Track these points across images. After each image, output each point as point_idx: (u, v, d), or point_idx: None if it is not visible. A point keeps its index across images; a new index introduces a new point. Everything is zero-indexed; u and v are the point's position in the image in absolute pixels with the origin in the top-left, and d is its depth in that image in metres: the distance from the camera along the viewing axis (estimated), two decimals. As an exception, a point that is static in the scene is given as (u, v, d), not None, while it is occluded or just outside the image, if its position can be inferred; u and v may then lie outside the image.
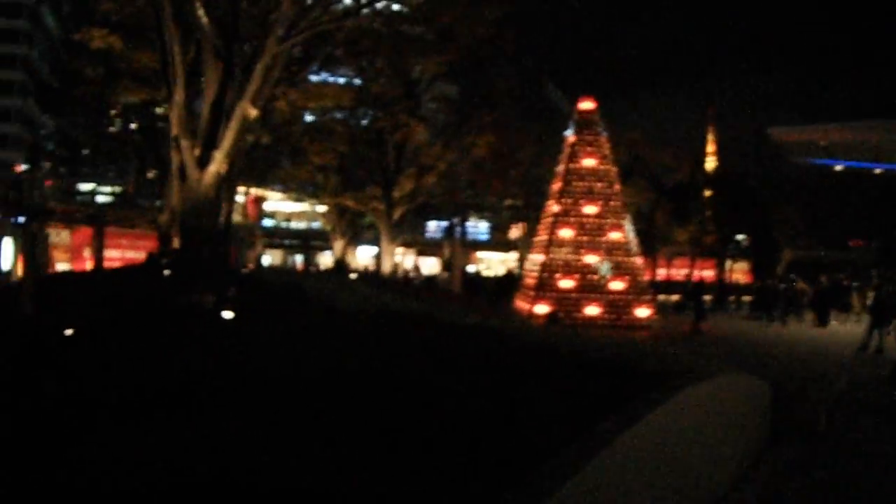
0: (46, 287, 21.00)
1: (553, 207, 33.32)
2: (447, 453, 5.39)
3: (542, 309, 31.76)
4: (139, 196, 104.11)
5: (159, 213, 47.09)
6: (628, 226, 33.22)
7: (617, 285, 32.17)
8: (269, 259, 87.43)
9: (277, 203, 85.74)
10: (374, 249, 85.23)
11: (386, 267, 38.85)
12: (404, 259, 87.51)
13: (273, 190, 55.12)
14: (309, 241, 78.44)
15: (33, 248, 23.63)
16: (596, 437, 5.38)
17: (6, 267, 38.50)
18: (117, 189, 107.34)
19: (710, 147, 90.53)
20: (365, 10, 20.34)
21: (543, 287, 32.20)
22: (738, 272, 70.16)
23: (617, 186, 33.47)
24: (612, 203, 33.09)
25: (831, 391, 15.56)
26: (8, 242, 40.03)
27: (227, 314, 10.73)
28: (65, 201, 71.93)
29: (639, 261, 33.22)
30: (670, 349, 22.23)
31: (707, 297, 47.35)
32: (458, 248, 44.71)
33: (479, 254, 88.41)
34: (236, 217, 79.54)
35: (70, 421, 5.93)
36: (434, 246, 79.41)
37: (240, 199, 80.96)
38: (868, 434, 12.54)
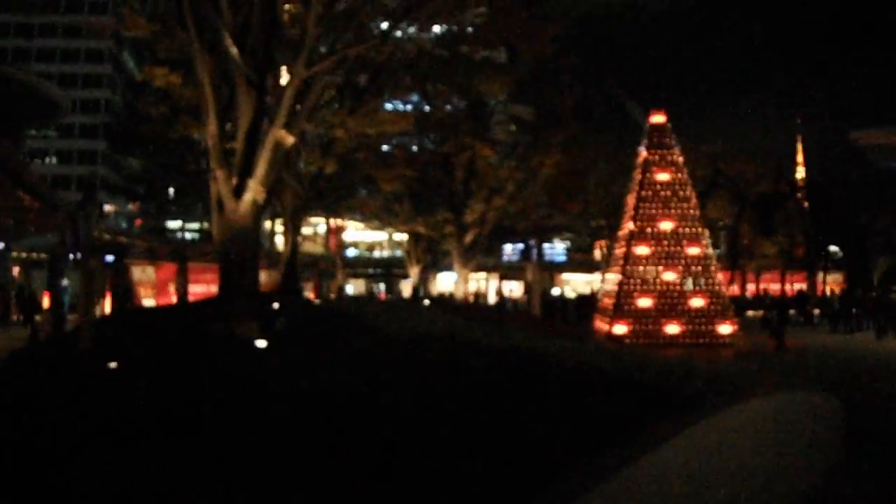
0: (117, 322, 21.29)
1: (628, 224, 32.60)
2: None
3: (620, 329, 31.00)
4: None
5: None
6: (707, 240, 32.24)
7: (697, 302, 31.19)
8: (352, 288, 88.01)
9: (359, 233, 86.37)
10: (454, 276, 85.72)
11: (459, 292, 38.42)
12: (487, 283, 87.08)
13: (353, 220, 55.18)
14: (391, 270, 78.60)
15: (92, 284, 23.86)
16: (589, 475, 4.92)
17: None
18: (205, 225, 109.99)
19: (799, 156, 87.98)
20: (410, 33, 20.14)
21: (621, 306, 31.43)
22: (832, 284, 67.70)
23: (693, 200, 32.58)
24: (688, 217, 32.18)
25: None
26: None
27: (261, 343, 10.53)
28: (152, 240, 73.80)
29: (719, 276, 32.16)
30: (737, 367, 21.48)
31: (792, 311, 45.84)
32: (535, 270, 44.10)
33: (565, 275, 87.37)
34: (317, 248, 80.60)
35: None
36: (517, 269, 78.65)
37: (321, 230, 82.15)
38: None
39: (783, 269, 59.78)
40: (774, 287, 62.18)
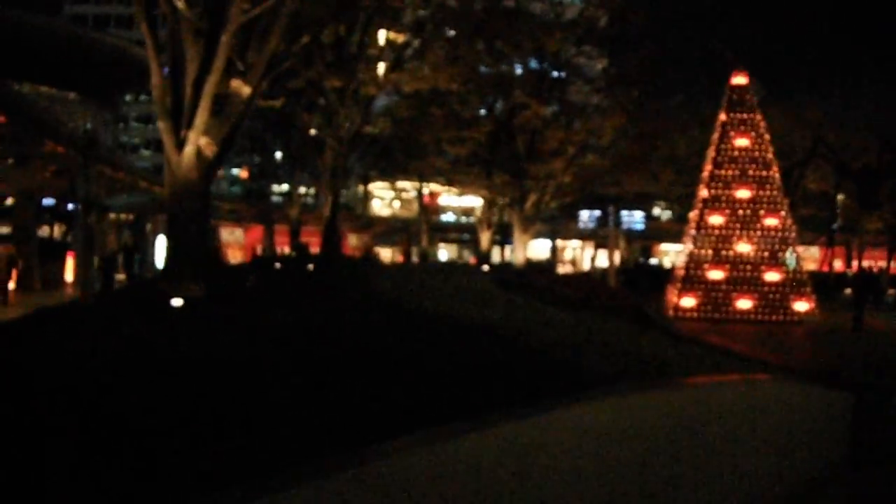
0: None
1: (702, 192, 30.78)
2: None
3: (687, 302, 29.42)
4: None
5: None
6: (786, 210, 30.20)
7: (772, 276, 29.30)
8: (445, 254, 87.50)
9: (454, 198, 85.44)
10: (548, 243, 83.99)
11: (519, 258, 37.03)
12: (583, 251, 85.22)
13: (424, 182, 54.07)
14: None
15: (89, 238, 23.64)
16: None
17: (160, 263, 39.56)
18: (312, 190, 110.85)
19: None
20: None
21: (690, 279, 29.80)
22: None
23: (774, 167, 30.49)
24: (767, 186, 30.18)
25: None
26: (163, 240, 41.34)
27: (177, 301, 9.81)
28: (256, 204, 74.73)
29: (798, 248, 30.09)
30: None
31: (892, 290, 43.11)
32: (614, 238, 42.49)
33: (664, 246, 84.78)
34: (406, 212, 79.88)
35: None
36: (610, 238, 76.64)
37: (412, 194, 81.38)
38: None
39: (891, 246, 56.22)
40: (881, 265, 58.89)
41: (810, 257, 55.88)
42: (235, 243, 65.99)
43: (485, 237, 40.42)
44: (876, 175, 48.09)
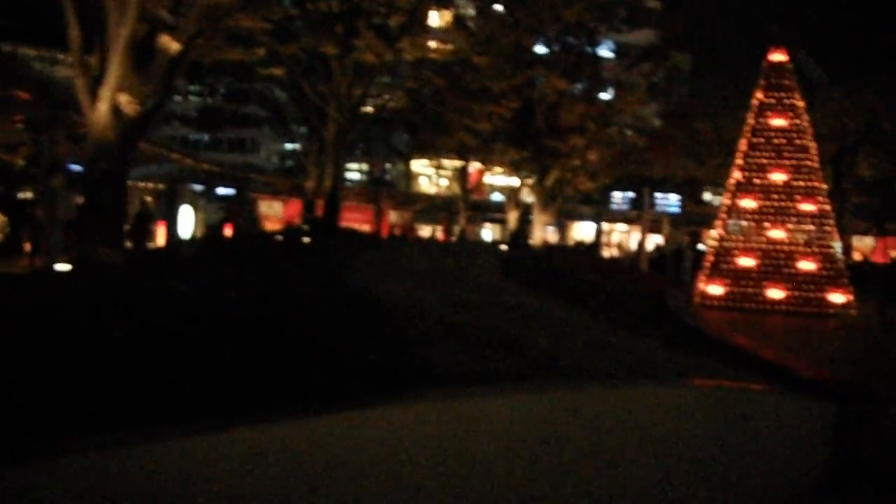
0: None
1: (734, 174, 29.14)
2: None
3: (715, 290, 27.94)
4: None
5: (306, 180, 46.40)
6: (824, 196, 28.46)
7: (807, 265, 27.64)
8: (489, 234, 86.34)
9: (501, 178, 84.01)
10: (593, 226, 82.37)
11: (537, 238, 35.68)
12: (629, 235, 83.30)
13: (451, 158, 52.73)
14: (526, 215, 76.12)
15: (52, 202, 22.86)
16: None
17: (187, 234, 39.15)
18: (363, 166, 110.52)
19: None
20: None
21: (719, 265, 28.28)
22: None
23: (812, 152, 28.74)
24: (804, 170, 28.46)
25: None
26: (187, 210, 40.96)
27: (62, 266, 8.93)
28: (292, 177, 74.39)
29: (836, 237, 28.33)
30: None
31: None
32: (647, 221, 40.92)
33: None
34: (450, 190, 78.68)
35: None
36: (658, 222, 74.66)
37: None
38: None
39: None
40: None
41: (865, 247, 53.81)
42: (274, 216, 65.65)
43: (512, 216, 38.99)
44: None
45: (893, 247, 61.18)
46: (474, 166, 70.43)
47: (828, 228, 28.06)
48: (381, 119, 36.53)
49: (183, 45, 11.24)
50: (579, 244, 58.16)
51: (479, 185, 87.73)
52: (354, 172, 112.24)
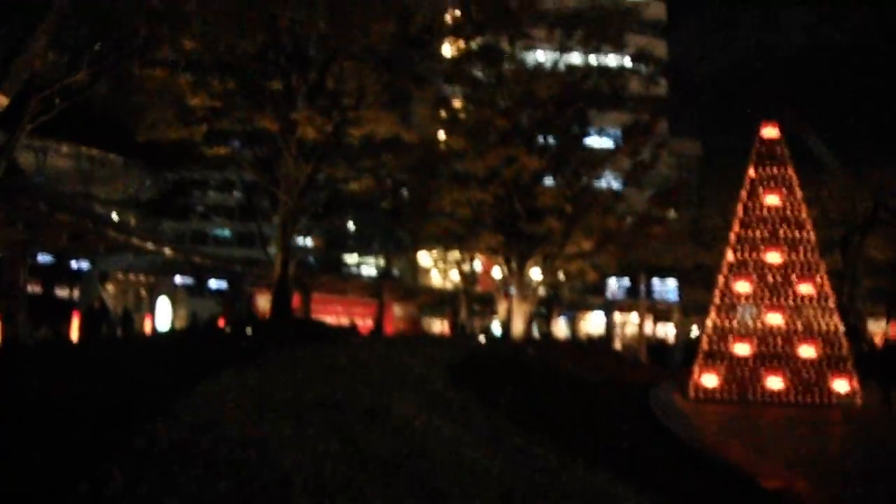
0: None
1: (728, 257, 27.35)
2: None
3: (709, 381, 25.89)
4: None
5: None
6: (823, 275, 26.54)
7: (807, 351, 25.60)
8: (498, 326, 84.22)
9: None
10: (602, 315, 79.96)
11: (517, 330, 33.50)
12: (641, 325, 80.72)
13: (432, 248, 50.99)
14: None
15: None
16: None
17: (164, 327, 37.83)
18: (381, 261, 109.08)
19: None
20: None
21: (713, 354, 26.28)
22: None
23: (808, 228, 26.95)
24: (801, 248, 26.66)
25: None
26: (164, 302, 39.72)
27: None
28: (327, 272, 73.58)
29: (836, 318, 26.26)
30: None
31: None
32: (644, 310, 38.88)
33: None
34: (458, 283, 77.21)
35: None
36: (665, 311, 72.37)
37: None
38: None
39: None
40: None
41: (880, 331, 51.33)
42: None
43: (502, 308, 36.95)
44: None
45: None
46: (481, 259, 69.13)
47: (828, 310, 26.07)
48: (344, 202, 35.07)
49: (10, 99, 9.96)
50: (590, 338, 56.14)
51: (486, 278, 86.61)
52: (359, 266, 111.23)
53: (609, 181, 33.21)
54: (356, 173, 27.61)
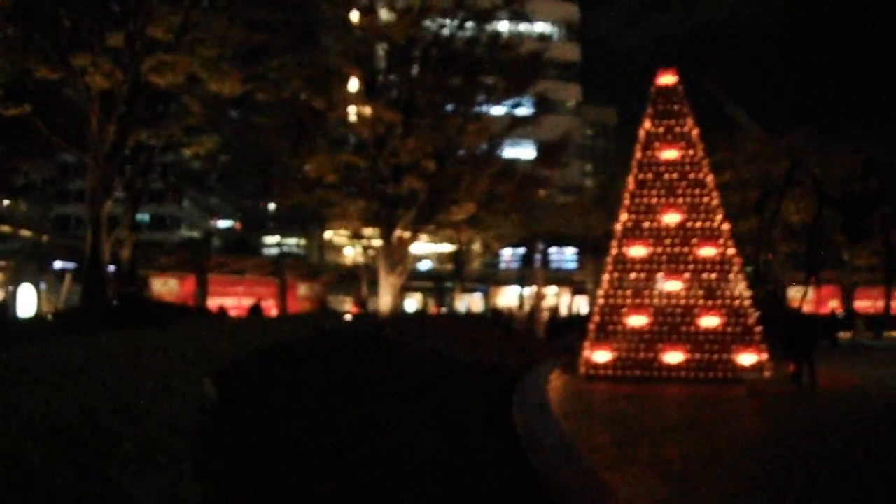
0: None
1: (621, 219, 24.48)
2: None
3: (601, 356, 23.10)
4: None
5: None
6: (726, 238, 23.82)
7: (709, 321, 22.93)
8: (413, 303, 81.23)
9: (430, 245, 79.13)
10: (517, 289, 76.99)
11: (384, 305, 30.02)
12: (559, 298, 77.96)
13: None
14: (442, 283, 71.26)
15: None
16: None
17: (27, 314, 34.32)
18: (302, 241, 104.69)
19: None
20: None
21: (605, 326, 23.46)
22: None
23: (709, 186, 24.22)
24: (702, 209, 23.93)
25: None
26: (27, 288, 36.42)
27: None
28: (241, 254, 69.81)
29: (742, 286, 23.58)
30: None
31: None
32: (541, 280, 36.07)
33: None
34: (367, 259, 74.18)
35: None
36: (582, 283, 69.86)
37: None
38: None
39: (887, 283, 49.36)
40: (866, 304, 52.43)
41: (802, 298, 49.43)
42: (170, 293, 59.82)
43: (387, 281, 32.67)
44: (861, 203, 41.68)
45: (835, 296, 57.16)
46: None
47: (733, 276, 23.40)
48: (184, 172, 31.53)
49: None
50: (495, 312, 53.14)
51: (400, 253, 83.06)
52: (280, 247, 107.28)
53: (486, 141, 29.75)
54: (191, 136, 23.89)
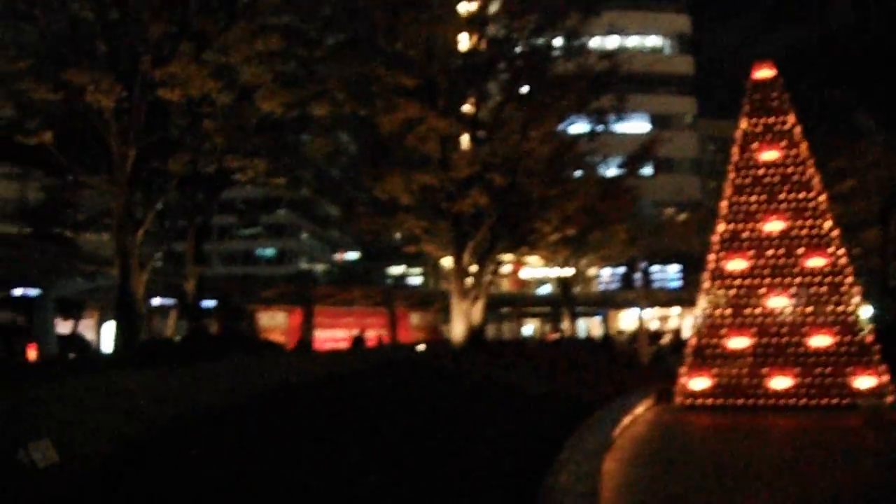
0: None
1: (718, 228, 22.13)
2: None
3: (698, 384, 20.74)
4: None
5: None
6: (837, 246, 21.16)
7: (820, 340, 20.31)
8: (530, 329, 79.49)
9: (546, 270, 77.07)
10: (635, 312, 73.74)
11: (457, 332, 27.63)
12: (665, 321, 74.39)
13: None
14: (558, 309, 68.99)
15: None
16: None
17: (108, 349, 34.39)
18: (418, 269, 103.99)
19: None
20: None
21: (702, 350, 21.11)
22: None
23: (817, 187, 21.62)
24: (808, 213, 21.37)
25: None
26: (110, 326, 36.50)
27: None
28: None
29: (857, 299, 20.84)
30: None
31: None
32: (644, 299, 33.54)
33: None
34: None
35: None
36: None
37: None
38: None
39: None
40: None
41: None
42: (276, 328, 59.55)
43: (459, 307, 30.10)
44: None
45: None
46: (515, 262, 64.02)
47: (845, 288, 20.71)
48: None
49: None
50: (607, 337, 50.81)
51: (518, 280, 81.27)
52: (405, 278, 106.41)
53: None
54: (243, 160, 22.42)
